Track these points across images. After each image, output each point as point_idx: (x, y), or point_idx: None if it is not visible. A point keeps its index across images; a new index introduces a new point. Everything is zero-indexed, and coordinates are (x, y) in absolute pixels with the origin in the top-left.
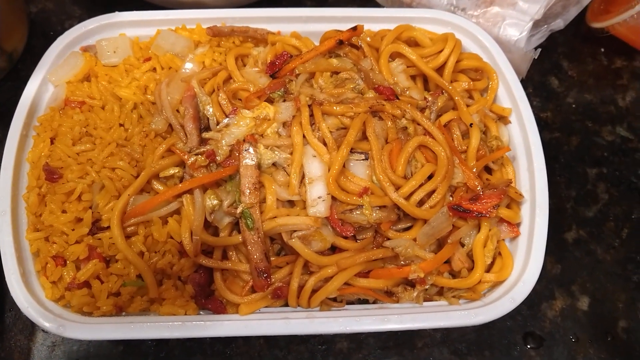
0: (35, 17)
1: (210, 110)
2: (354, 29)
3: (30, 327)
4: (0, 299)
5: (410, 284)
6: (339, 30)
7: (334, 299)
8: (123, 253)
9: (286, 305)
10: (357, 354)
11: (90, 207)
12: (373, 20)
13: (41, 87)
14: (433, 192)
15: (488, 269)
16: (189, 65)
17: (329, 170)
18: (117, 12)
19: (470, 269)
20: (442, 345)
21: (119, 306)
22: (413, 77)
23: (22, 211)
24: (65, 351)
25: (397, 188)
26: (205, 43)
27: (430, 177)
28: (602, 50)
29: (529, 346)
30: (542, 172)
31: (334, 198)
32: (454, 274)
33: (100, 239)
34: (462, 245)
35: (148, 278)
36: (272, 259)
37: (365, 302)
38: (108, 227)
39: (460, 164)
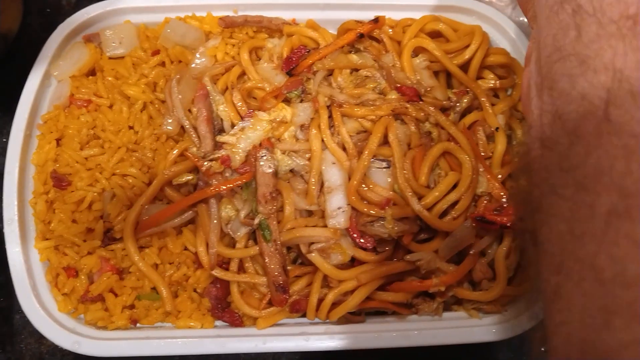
0: None
1: (225, 110)
2: (376, 20)
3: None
4: (7, 301)
5: (430, 295)
6: (358, 21)
7: (352, 312)
8: (137, 265)
9: (303, 316)
10: None
11: (102, 217)
12: (394, 8)
13: (43, 81)
14: (456, 202)
15: (509, 282)
16: (200, 60)
17: (349, 178)
18: None
19: (491, 279)
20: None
21: (134, 319)
22: (435, 73)
23: (29, 218)
24: (77, 356)
25: (420, 198)
26: (216, 34)
27: (454, 186)
28: None
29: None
30: None
31: (354, 208)
32: (474, 284)
33: (112, 250)
34: (483, 255)
35: (163, 291)
36: (289, 268)
37: (382, 312)
38: (120, 238)
39: (485, 172)
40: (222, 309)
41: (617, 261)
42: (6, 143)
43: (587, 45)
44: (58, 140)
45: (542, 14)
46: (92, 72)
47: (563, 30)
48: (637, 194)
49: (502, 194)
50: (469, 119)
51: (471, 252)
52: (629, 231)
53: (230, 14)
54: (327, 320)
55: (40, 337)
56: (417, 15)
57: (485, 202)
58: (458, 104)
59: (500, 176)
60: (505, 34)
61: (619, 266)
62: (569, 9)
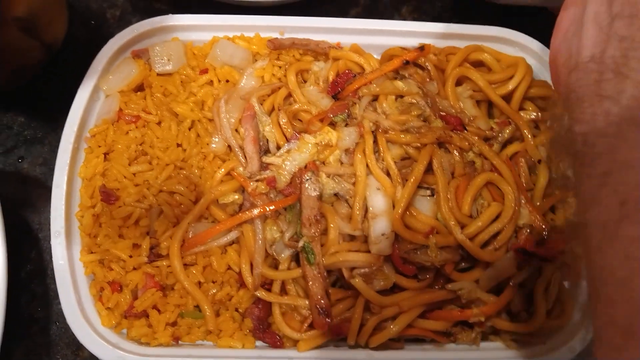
0: (75, 4)
1: (271, 131)
2: (422, 48)
3: (77, 341)
4: (45, 311)
5: (468, 324)
6: (403, 48)
7: (392, 339)
8: (182, 283)
9: (343, 339)
10: None
11: (148, 233)
12: (436, 36)
13: (92, 95)
14: (498, 233)
15: (548, 314)
16: (247, 80)
17: (393, 206)
18: (171, 15)
19: (529, 311)
20: None
21: (176, 337)
22: (478, 102)
23: (76, 230)
24: None
25: (463, 227)
26: (264, 56)
27: (496, 217)
28: None
29: None
30: None
31: (396, 235)
32: (511, 314)
33: (158, 267)
34: (522, 286)
35: (206, 309)
36: (331, 290)
37: (421, 340)
38: (166, 255)
39: (527, 204)
40: (264, 329)
41: None
42: (49, 152)
43: None
44: (105, 155)
45: None
46: (140, 88)
47: None
48: None
49: (543, 226)
50: (511, 149)
51: (511, 283)
52: None
53: (277, 35)
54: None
55: (77, 349)
56: (459, 43)
57: (526, 233)
58: (500, 135)
59: (541, 209)
60: (546, 66)
61: None
62: None
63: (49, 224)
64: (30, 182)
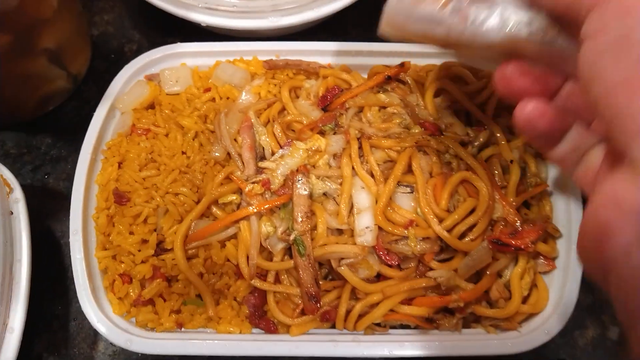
0: (97, 40)
1: (266, 140)
2: (402, 65)
3: (93, 336)
4: (65, 309)
5: (450, 311)
6: (387, 66)
7: (378, 324)
8: (185, 274)
9: (333, 327)
10: None
11: (155, 230)
12: (420, 55)
13: (109, 113)
14: (474, 225)
15: (524, 301)
16: (245, 96)
17: (376, 202)
18: (179, 43)
19: (507, 299)
20: None
21: (180, 323)
22: (457, 111)
23: (92, 230)
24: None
25: (441, 221)
26: (261, 75)
27: (471, 211)
28: None
29: None
30: (578, 208)
31: (380, 228)
32: (491, 303)
33: (163, 259)
34: (500, 276)
35: (207, 298)
36: (321, 282)
37: (406, 327)
38: (171, 249)
39: (501, 199)
40: (259, 316)
41: None
42: (71, 169)
43: None
44: (120, 164)
45: None
46: (151, 106)
47: None
48: None
49: (516, 219)
50: (486, 152)
51: (488, 272)
52: None
53: (273, 58)
54: (354, 331)
55: (92, 343)
56: (437, 61)
57: (501, 226)
58: (476, 139)
59: (514, 203)
60: None
61: None
62: None
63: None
64: (55, 196)
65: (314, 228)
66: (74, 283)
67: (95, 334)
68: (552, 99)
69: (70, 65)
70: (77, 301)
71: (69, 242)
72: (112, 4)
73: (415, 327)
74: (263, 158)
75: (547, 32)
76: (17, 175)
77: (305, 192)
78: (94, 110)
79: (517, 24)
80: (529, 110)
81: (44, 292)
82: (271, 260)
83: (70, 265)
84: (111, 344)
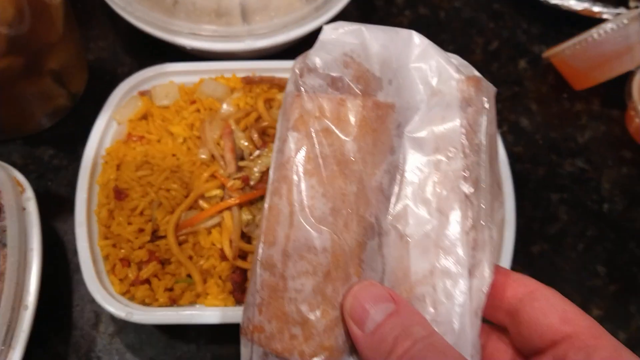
0: (93, 64)
1: (244, 143)
2: None
3: (94, 319)
4: (68, 297)
5: None
6: None
7: None
8: (176, 257)
9: None
10: None
11: (150, 220)
12: None
13: (107, 124)
14: None
15: None
16: (226, 107)
17: None
18: (167, 64)
19: None
20: None
21: (173, 299)
22: None
23: (94, 224)
24: (123, 339)
25: None
26: (239, 89)
27: None
28: (565, 96)
29: None
30: (510, 196)
31: None
32: None
33: (158, 245)
34: None
35: (196, 277)
36: None
37: None
38: (164, 236)
39: None
40: (241, 292)
41: None
42: (72, 176)
43: None
44: (118, 166)
45: None
46: (144, 117)
47: None
48: None
49: None
50: None
51: None
52: None
53: (250, 75)
54: None
55: (93, 324)
56: None
57: None
58: None
59: None
60: None
61: None
62: None
63: (73, 228)
64: (57, 199)
65: None
66: (75, 274)
67: (95, 316)
68: None
69: (71, 84)
70: (79, 289)
71: (71, 240)
72: (106, 32)
73: None
74: (242, 158)
75: None
76: None
77: None
78: (91, 124)
79: None
80: None
81: (48, 282)
82: (250, 243)
83: (71, 259)
84: (112, 320)
